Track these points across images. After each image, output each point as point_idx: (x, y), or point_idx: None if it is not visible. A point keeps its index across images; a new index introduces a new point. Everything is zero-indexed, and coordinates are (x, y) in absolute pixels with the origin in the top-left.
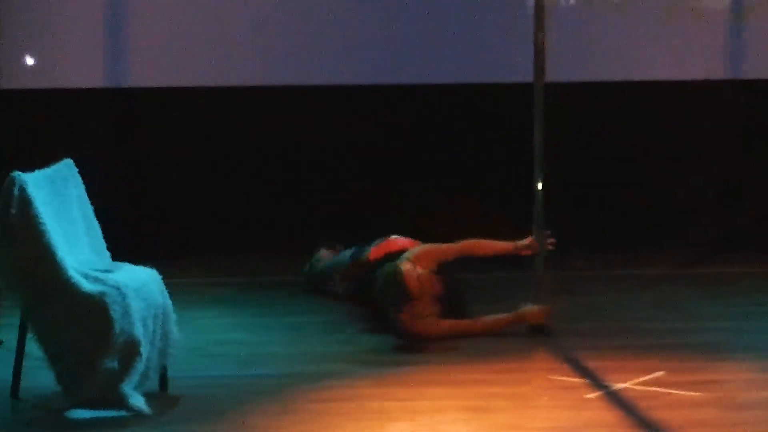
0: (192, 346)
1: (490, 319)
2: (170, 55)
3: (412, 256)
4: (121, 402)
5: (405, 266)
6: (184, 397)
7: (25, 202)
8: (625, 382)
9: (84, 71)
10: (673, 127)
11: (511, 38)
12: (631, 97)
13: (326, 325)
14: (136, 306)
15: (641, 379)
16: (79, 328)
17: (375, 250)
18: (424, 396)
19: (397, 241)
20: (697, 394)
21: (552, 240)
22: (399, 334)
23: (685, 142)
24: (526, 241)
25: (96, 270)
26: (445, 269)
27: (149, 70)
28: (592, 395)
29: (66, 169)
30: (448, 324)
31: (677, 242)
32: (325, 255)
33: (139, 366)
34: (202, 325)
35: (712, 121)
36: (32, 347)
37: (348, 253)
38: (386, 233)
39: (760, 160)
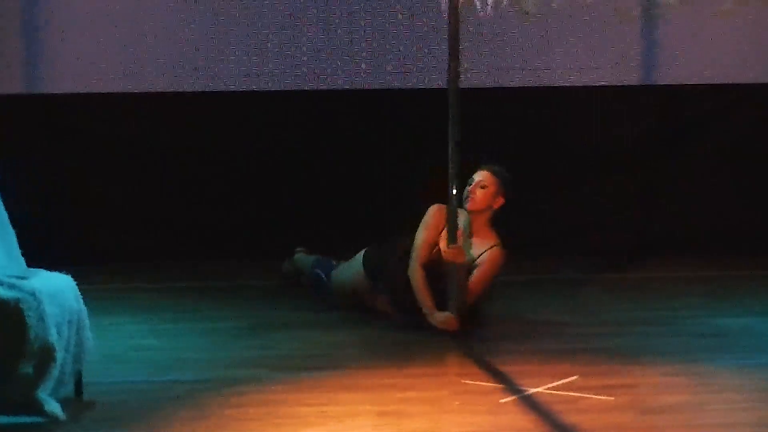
0: (107, 352)
1: (426, 291)
2: (87, 62)
3: None
4: (36, 408)
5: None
6: (98, 402)
7: None
8: (540, 386)
9: (0, 77)
10: (588, 133)
11: (425, 45)
12: (546, 103)
13: (241, 330)
14: (51, 312)
15: (555, 383)
16: None
17: None
18: (338, 401)
19: None
20: (611, 398)
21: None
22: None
23: (600, 148)
24: (441, 317)
25: (11, 276)
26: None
27: (66, 77)
28: (507, 400)
29: None
30: (419, 274)
31: (591, 247)
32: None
33: (54, 372)
34: (117, 331)
35: (627, 126)
36: None
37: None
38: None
39: (674, 165)
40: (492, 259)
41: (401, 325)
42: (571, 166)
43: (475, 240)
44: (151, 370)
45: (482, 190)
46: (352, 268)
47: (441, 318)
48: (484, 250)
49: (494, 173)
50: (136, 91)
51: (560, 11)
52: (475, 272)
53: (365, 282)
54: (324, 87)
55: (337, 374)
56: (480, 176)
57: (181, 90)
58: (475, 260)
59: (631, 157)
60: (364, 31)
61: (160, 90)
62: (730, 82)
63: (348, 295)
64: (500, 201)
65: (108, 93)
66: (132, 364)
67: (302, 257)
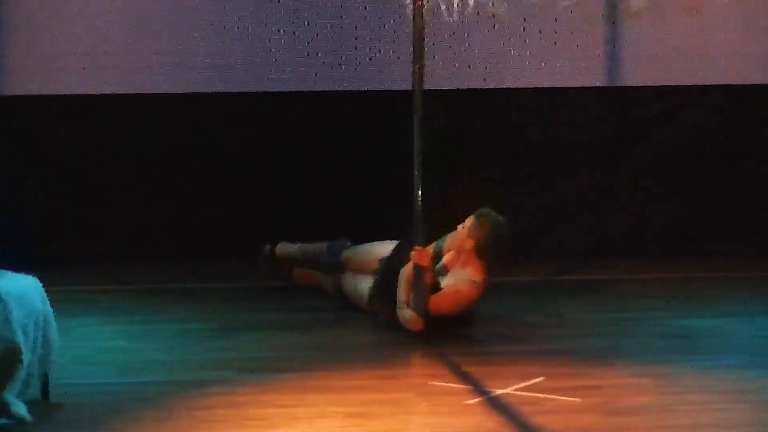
0: (73, 353)
1: (407, 286)
2: (39, 64)
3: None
4: (2, 409)
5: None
6: (65, 404)
7: None
8: (506, 387)
9: None
10: (551, 134)
11: (390, 47)
12: (507, 104)
13: (209, 332)
14: (17, 314)
15: (521, 384)
16: None
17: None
18: (305, 403)
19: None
20: (577, 399)
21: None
22: None
23: (564, 149)
24: (407, 314)
25: None
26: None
27: (20, 79)
28: (473, 401)
29: None
30: (410, 269)
31: (553, 249)
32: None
33: (21, 373)
34: (83, 333)
35: (588, 127)
36: None
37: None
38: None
39: (634, 166)
40: (458, 289)
41: (372, 319)
42: (533, 167)
43: (460, 269)
44: (119, 371)
45: (460, 230)
46: (382, 246)
47: (406, 314)
48: (461, 279)
49: (475, 217)
50: (88, 93)
51: (524, 14)
52: (441, 292)
53: (378, 262)
54: (290, 89)
55: (305, 376)
56: (468, 218)
57: (143, 92)
58: (450, 283)
59: (596, 158)
60: (328, 33)
61: (121, 92)
62: (692, 83)
63: (348, 267)
64: (470, 243)
65: (61, 95)
66: (99, 366)
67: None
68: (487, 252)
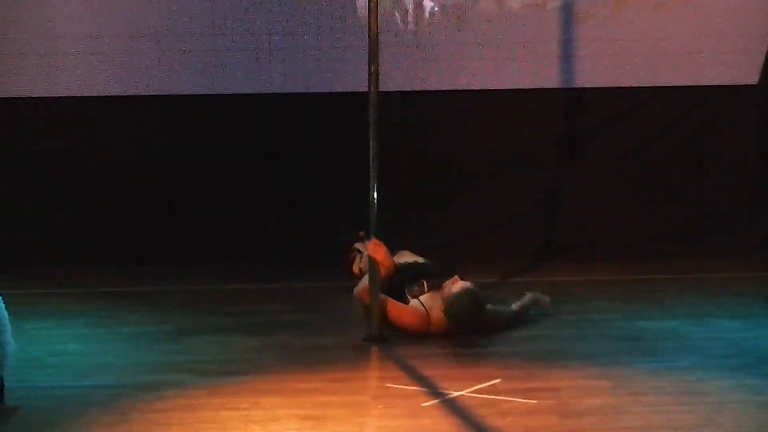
0: (28, 357)
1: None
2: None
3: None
4: None
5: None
6: (20, 407)
7: None
8: (462, 389)
9: None
10: (505, 135)
11: (345, 48)
12: (461, 105)
13: (161, 335)
14: None
15: (477, 386)
16: None
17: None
18: (260, 405)
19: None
20: (533, 401)
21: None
22: None
23: (516, 150)
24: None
25: None
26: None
27: None
28: (429, 403)
29: None
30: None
31: (506, 250)
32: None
33: None
34: (37, 336)
35: (541, 128)
36: None
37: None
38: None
39: (587, 168)
40: (411, 309)
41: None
42: (486, 168)
43: (437, 303)
44: (74, 375)
45: (443, 289)
46: (413, 255)
47: (363, 281)
48: (422, 303)
49: (458, 293)
50: (48, 95)
51: (481, 17)
52: (397, 302)
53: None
54: (247, 91)
55: (259, 379)
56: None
57: (88, 95)
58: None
59: (549, 160)
60: (285, 35)
61: (72, 94)
62: (643, 85)
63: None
64: (442, 306)
65: (18, 98)
66: (54, 369)
67: None
68: (451, 319)
